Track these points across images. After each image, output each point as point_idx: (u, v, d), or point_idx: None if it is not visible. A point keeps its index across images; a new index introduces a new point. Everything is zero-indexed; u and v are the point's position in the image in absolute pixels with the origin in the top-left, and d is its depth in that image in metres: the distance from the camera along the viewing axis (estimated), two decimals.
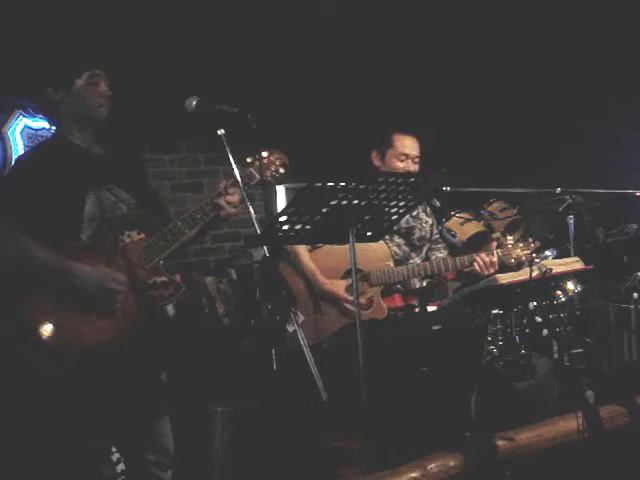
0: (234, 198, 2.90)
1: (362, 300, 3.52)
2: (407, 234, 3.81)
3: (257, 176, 2.93)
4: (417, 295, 3.82)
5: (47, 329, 2.69)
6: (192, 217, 2.86)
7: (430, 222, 3.93)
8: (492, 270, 3.51)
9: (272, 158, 2.99)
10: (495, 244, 3.66)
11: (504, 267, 3.57)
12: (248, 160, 2.95)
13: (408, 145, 3.75)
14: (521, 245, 3.57)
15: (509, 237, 3.63)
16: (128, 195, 2.90)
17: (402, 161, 3.72)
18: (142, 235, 2.84)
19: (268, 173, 2.98)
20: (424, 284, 3.84)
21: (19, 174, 2.89)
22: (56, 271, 2.70)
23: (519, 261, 3.54)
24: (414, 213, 3.85)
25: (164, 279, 2.83)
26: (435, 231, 3.93)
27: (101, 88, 2.86)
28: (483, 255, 3.54)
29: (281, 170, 3.01)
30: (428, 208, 3.96)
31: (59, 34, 4.09)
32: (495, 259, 3.53)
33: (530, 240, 3.60)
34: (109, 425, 2.82)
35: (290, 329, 2.73)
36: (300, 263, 3.64)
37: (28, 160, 2.98)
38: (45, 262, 2.69)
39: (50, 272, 2.69)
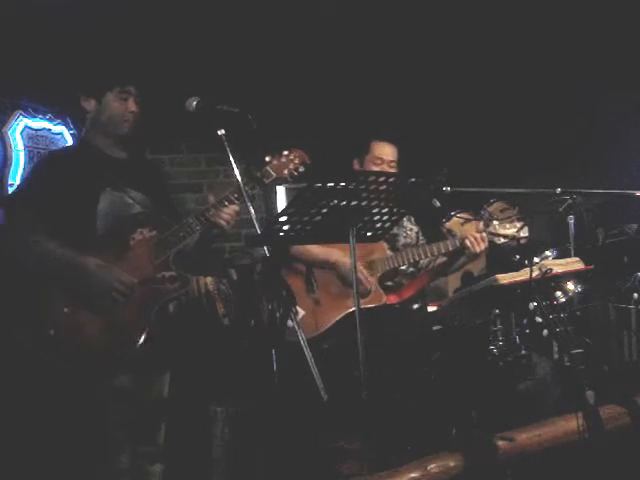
0: (229, 212, 2.95)
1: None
2: (391, 240, 3.90)
3: (273, 174, 2.98)
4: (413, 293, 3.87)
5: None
6: (203, 214, 2.93)
7: (416, 230, 4.05)
8: (483, 246, 3.64)
9: (292, 156, 3.02)
10: (480, 223, 3.74)
11: (494, 248, 3.64)
12: (267, 159, 2.99)
13: (384, 151, 3.85)
14: (507, 225, 3.68)
15: (495, 221, 3.73)
16: (145, 197, 2.98)
17: (378, 165, 3.80)
18: (154, 232, 2.91)
19: (286, 171, 3.01)
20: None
21: (37, 173, 2.99)
22: (69, 266, 2.76)
23: (506, 240, 3.67)
24: None
25: (172, 273, 2.89)
26: (421, 237, 4.03)
27: (129, 105, 2.95)
28: (472, 232, 3.67)
29: (301, 169, 3.03)
30: (412, 218, 4.07)
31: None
32: (485, 235, 3.66)
33: (515, 220, 3.72)
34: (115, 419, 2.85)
35: (290, 324, 2.74)
36: (311, 254, 3.66)
37: (47, 159, 3.12)
38: (60, 257, 2.76)
39: (63, 267, 2.76)
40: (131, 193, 2.95)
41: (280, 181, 3.02)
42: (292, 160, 3.02)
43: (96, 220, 2.85)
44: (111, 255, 2.84)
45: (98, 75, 3.04)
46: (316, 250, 3.66)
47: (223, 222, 2.95)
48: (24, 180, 3.20)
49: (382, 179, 2.70)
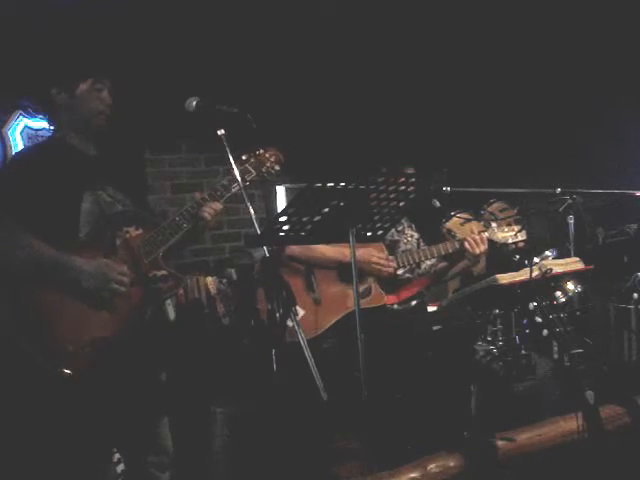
0: (213, 207, 2.93)
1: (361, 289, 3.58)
2: (391, 247, 3.90)
3: (253, 172, 2.97)
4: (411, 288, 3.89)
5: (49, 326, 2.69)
6: (189, 212, 2.89)
7: (416, 236, 4.05)
8: (483, 247, 3.63)
9: (267, 155, 3.01)
10: (475, 225, 3.75)
11: (494, 250, 3.66)
12: (243, 157, 2.98)
13: None
14: (505, 229, 3.69)
15: (493, 224, 3.74)
16: (123, 196, 2.92)
17: None
18: (140, 230, 2.86)
19: (264, 169, 3.00)
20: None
21: (15, 173, 2.88)
22: (59, 267, 2.70)
23: (505, 242, 3.68)
24: (399, 228, 4.00)
25: (164, 272, 2.85)
26: (422, 244, 4.02)
27: (103, 96, 2.88)
28: (472, 234, 3.67)
29: (276, 167, 3.03)
30: (413, 225, 4.08)
31: (65, 35, 4.11)
32: (484, 236, 3.65)
33: (514, 225, 3.74)
34: (110, 425, 2.83)
35: (290, 324, 2.74)
36: (322, 254, 3.67)
37: (24, 159, 2.99)
38: (48, 258, 2.70)
39: (53, 268, 2.70)
40: (109, 191, 2.88)
41: (258, 180, 3.01)
42: (268, 159, 3.01)
43: (80, 222, 2.79)
44: (98, 256, 2.78)
45: (71, 65, 2.94)
46: (325, 250, 3.66)
47: (207, 215, 2.93)
48: (2, 182, 3.07)
49: (381, 179, 2.70)
